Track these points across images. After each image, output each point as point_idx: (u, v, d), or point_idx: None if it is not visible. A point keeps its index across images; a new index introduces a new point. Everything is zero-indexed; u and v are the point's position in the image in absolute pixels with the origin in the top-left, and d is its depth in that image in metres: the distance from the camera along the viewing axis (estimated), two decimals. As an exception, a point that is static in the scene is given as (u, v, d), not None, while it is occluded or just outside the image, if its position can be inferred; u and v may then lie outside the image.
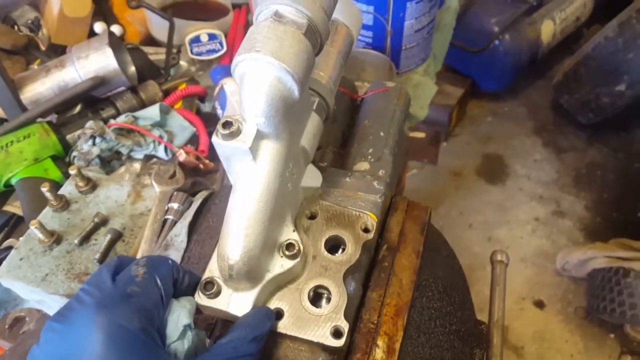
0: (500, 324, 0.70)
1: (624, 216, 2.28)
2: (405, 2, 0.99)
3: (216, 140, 0.42)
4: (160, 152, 0.98)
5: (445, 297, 0.56)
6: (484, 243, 2.30)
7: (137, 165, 0.97)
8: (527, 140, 2.62)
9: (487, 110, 2.72)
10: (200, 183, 0.96)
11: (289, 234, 0.48)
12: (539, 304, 2.13)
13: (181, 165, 0.96)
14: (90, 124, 0.95)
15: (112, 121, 0.98)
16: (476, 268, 2.20)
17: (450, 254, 0.63)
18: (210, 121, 1.10)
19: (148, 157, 0.98)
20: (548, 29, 2.33)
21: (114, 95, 1.05)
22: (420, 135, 0.85)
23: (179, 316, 0.42)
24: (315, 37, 0.43)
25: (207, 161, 1.02)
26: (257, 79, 0.40)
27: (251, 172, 0.43)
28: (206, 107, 1.17)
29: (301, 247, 0.47)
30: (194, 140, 1.06)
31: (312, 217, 0.52)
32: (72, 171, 0.74)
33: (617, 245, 1.91)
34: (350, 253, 0.49)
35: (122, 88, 1.06)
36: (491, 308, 0.73)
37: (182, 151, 0.98)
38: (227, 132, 0.41)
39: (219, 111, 1.08)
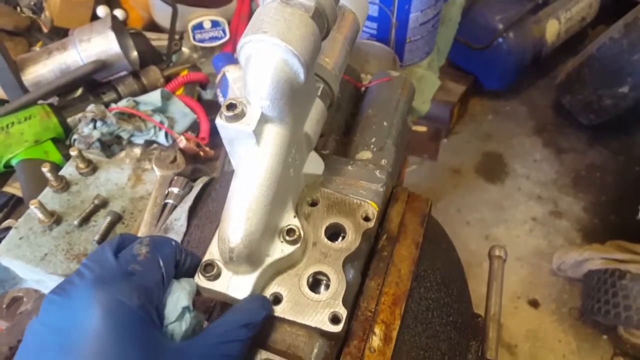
0: (497, 318, 0.70)
1: (621, 219, 2.28)
2: (411, -6, 0.99)
3: (220, 122, 0.42)
4: (161, 138, 0.98)
5: (443, 289, 0.56)
6: (481, 241, 2.31)
7: (137, 150, 0.97)
8: (527, 140, 2.62)
9: (488, 109, 2.72)
10: (200, 170, 0.96)
11: (290, 220, 0.48)
12: (534, 303, 2.14)
13: (181, 151, 0.96)
14: (91, 107, 0.95)
15: (113, 105, 0.98)
16: (473, 265, 2.21)
17: (450, 247, 0.63)
18: (211, 108, 1.09)
19: (148, 143, 0.98)
20: (553, 28, 2.32)
21: (116, 79, 1.04)
22: (422, 129, 0.85)
23: (178, 297, 0.42)
24: (323, 21, 0.42)
25: (207, 148, 1.02)
26: (263, 60, 0.40)
27: (254, 156, 0.43)
28: (207, 95, 1.17)
29: (302, 233, 0.47)
30: (194, 127, 1.05)
31: (314, 204, 0.52)
32: (73, 152, 0.74)
33: (614, 247, 1.91)
34: (350, 241, 0.49)
35: (124, 73, 1.05)
36: (488, 302, 0.73)
37: (182, 137, 0.98)
38: (231, 114, 0.41)
39: (221, 99, 1.08)
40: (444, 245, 0.61)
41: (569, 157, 2.54)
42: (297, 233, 0.47)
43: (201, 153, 1.01)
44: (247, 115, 0.41)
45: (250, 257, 0.43)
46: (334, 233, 0.52)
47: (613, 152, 2.52)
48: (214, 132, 1.05)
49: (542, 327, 2.06)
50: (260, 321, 0.44)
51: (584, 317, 1.99)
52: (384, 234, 0.56)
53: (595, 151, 2.54)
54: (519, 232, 2.33)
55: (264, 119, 0.42)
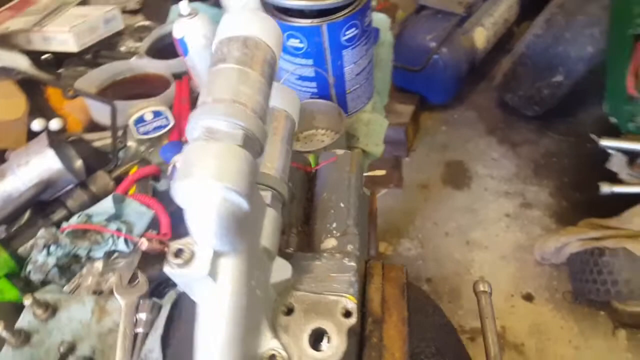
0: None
1: (587, 196, 2.36)
2: (341, 50, 1.01)
3: (170, 271, 0.40)
4: (121, 246, 0.94)
5: (440, 359, 0.55)
6: (463, 248, 2.33)
7: (98, 265, 0.92)
8: (482, 141, 2.70)
9: (440, 121, 2.80)
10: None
11: (268, 343, 0.45)
12: (528, 297, 2.17)
13: (145, 253, 0.93)
14: (41, 232, 0.90)
15: (64, 224, 0.94)
16: (462, 274, 2.23)
17: (436, 310, 0.62)
18: (168, 200, 1.06)
19: (109, 254, 0.94)
20: (481, 36, 2.43)
21: (63, 194, 1.00)
22: (381, 172, 0.85)
23: None
24: (254, 143, 0.42)
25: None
26: (201, 204, 0.38)
27: (214, 296, 0.41)
28: (162, 186, 1.14)
29: (284, 355, 0.45)
30: (154, 224, 1.02)
31: (289, 312, 0.50)
32: (27, 301, 0.69)
33: (587, 227, 1.96)
34: (336, 346, 0.47)
35: (71, 186, 1.01)
36: (486, 343, 0.72)
37: (143, 240, 0.93)
38: (180, 261, 0.39)
39: (176, 189, 1.05)
40: (430, 310, 0.60)
41: (525, 149, 2.63)
42: (279, 356, 0.44)
43: (166, 249, 0.97)
44: (198, 258, 0.39)
45: (233, 403, 0.41)
46: (317, 335, 0.50)
47: (563, 135, 2.63)
48: (175, 224, 1.02)
49: (542, 319, 2.08)
50: None
51: (577, 299, 2.02)
52: (369, 316, 0.55)
53: (547, 138, 2.64)
54: (497, 231, 2.38)
55: (216, 256, 0.40)
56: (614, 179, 1.94)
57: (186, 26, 1.14)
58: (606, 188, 1.81)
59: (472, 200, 2.50)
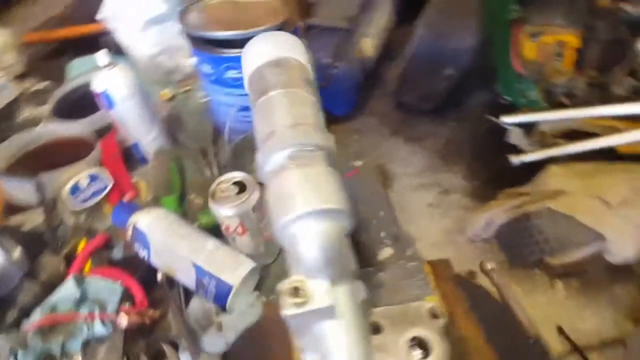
0: (534, 326, 0.72)
1: (494, 171, 2.59)
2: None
3: (291, 312, 0.35)
4: (98, 329, 0.82)
5: (502, 335, 0.56)
6: (401, 245, 2.42)
7: (77, 358, 0.80)
8: (389, 143, 2.86)
9: (348, 131, 2.90)
10: (156, 339, 0.83)
11: (382, 365, 0.43)
12: (471, 275, 2.29)
13: (126, 330, 0.82)
14: (1, 341, 0.75)
15: (26, 324, 0.79)
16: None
17: (486, 292, 0.63)
18: (131, 266, 0.95)
19: (85, 342, 0.81)
20: (368, 45, 2.59)
21: (10, 292, 0.85)
22: None
23: None
24: (332, 159, 0.40)
25: (151, 312, 0.88)
26: (311, 234, 0.35)
27: (337, 330, 0.37)
28: (118, 253, 1.02)
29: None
30: (126, 296, 0.91)
31: (377, 330, 0.48)
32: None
33: (506, 198, 2.15)
34: (439, 347, 0.46)
35: (16, 280, 0.86)
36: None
37: (122, 316, 0.83)
38: (300, 300, 0.35)
39: (142, 252, 0.94)
40: (481, 293, 0.61)
41: (428, 142, 2.83)
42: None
43: (147, 321, 0.87)
44: (317, 292, 0.36)
45: None
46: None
47: (457, 122, 2.88)
48: (147, 289, 0.92)
49: (488, 291, 2.22)
50: None
51: (513, 264, 2.20)
52: (436, 316, 0.54)
53: (444, 127, 2.88)
54: (425, 222, 2.50)
55: (332, 286, 0.37)
56: (512, 151, 2.16)
57: (107, 78, 1.05)
58: (516, 159, 2.01)
59: (397, 199, 2.61)
